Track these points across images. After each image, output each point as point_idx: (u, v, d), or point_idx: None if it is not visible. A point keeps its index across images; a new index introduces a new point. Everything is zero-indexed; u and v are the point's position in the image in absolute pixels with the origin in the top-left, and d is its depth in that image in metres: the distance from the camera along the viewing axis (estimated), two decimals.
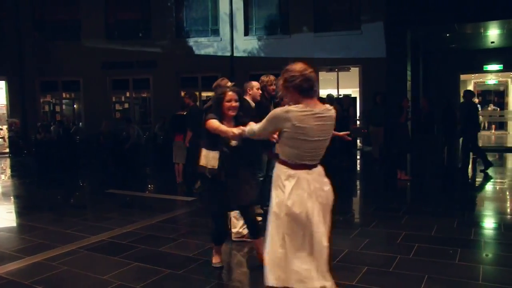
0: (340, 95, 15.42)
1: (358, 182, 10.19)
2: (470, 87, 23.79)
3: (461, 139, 10.65)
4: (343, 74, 15.91)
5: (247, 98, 5.55)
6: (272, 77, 6.04)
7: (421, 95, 14.99)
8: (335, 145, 9.84)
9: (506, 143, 17.20)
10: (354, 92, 16.53)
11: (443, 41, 16.25)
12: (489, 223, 6.18)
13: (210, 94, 14.17)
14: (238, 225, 5.03)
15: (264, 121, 3.12)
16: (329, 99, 11.29)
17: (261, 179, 5.90)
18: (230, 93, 3.92)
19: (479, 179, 9.65)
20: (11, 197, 8.87)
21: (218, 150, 3.92)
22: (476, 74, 21.97)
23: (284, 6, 15.77)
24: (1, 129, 19.25)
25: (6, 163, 14.92)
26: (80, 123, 16.90)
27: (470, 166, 10.57)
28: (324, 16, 15.45)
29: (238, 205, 4.17)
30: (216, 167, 3.90)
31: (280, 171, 3.10)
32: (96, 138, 13.38)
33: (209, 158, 3.90)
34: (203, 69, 15.94)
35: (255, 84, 5.76)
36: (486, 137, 19.24)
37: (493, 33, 15.31)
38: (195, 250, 4.98)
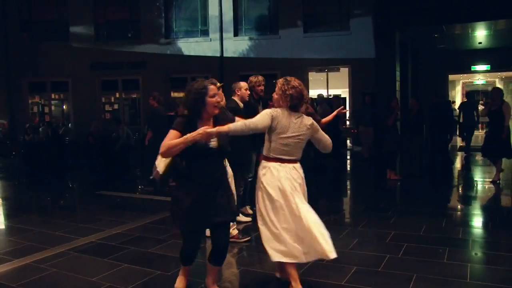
0: (330, 95, 15.47)
1: (347, 182, 10.23)
2: (459, 87, 24.04)
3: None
4: (332, 74, 15.97)
5: (235, 98, 5.56)
6: (260, 78, 6.04)
7: (410, 95, 15.12)
8: None
9: None
10: (343, 92, 16.59)
11: (431, 42, 16.40)
12: (477, 222, 6.24)
13: None
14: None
15: (257, 117, 3.58)
16: (320, 99, 11.34)
17: (250, 179, 5.91)
18: (212, 86, 3.39)
19: (468, 179, 9.74)
20: None
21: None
22: (465, 74, 22.18)
23: (274, 6, 15.78)
24: None
25: None
26: (69, 124, 16.77)
27: (459, 166, 10.67)
28: (314, 17, 15.50)
29: (212, 222, 3.43)
30: (161, 172, 3.48)
31: (261, 164, 3.72)
32: (85, 139, 13.31)
33: (160, 160, 3.52)
34: (193, 70, 15.89)
35: (243, 84, 5.76)
36: (474, 137, 19.36)
37: (480, 34, 15.49)
38: None
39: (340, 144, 12.18)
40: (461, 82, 23.86)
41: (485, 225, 6.04)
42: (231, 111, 4.87)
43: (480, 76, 22.79)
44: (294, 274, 3.58)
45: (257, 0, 15.97)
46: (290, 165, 3.63)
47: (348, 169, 12.05)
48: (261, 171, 3.69)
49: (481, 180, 9.44)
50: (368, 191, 8.78)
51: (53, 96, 18.06)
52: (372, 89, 13.22)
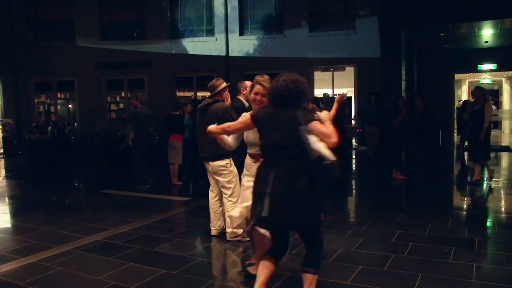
0: (335, 94, 15.44)
1: (353, 182, 10.21)
2: (465, 87, 23.93)
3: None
4: (338, 73, 15.95)
5: (241, 98, 5.55)
6: (266, 77, 6.01)
7: (416, 95, 15.06)
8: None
9: (501, 142, 17.27)
10: (349, 91, 16.56)
11: (437, 41, 16.32)
12: (483, 222, 6.21)
13: (205, 94, 14.17)
14: (232, 225, 5.03)
15: None
16: (325, 98, 11.31)
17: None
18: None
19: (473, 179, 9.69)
20: (6, 198, 8.81)
21: None
22: (471, 74, 22.07)
23: (279, 6, 15.78)
24: None
25: (1, 163, 14.82)
26: (75, 123, 16.82)
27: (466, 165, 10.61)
28: (319, 16, 15.49)
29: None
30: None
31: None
32: (91, 138, 13.35)
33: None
34: (198, 69, 15.93)
35: (249, 83, 5.74)
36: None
37: (487, 33, 15.39)
38: (190, 250, 4.98)
39: (345, 143, 12.15)
40: (467, 81, 23.75)
41: (491, 224, 6.01)
42: (236, 111, 4.89)
43: (486, 75, 22.66)
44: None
45: None
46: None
47: (354, 168, 12.03)
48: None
49: (486, 179, 9.38)
50: (373, 190, 8.76)
51: (59, 95, 18.12)
52: (377, 88, 13.18)
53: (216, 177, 5.21)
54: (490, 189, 8.38)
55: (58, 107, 18.17)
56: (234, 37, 15.94)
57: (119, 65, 16.52)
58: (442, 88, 17.83)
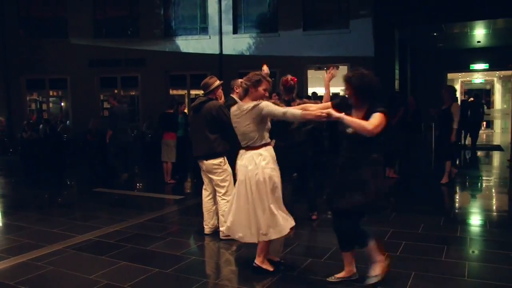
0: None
1: None
2: (457, 86, 24.08)
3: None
4: None
5: (234, 96, 5.54)
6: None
7: (409, 94, 15.13)
8: (323, 144, 9.90)
9: (493, 141, 17.38)
10: (342, 90, 16.59)
11: (430, 40, 16.41)
12: (475, 221, 6.24)
13: (198, 92, 14.14)
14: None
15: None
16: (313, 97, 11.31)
17: None
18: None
19: (464, 178, 9.74)
20: None
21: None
22: (463, 73, 22.21)
23: (273, 4, 15.76)
24: None
25: None
26: (68, 121, 16.74)
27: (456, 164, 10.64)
28: (313, 15, 15.48)
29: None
30: None
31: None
32: (83, 137, 13.27)
33: None
34: (192, 67, 15.88)
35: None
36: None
37: (479, 33, 15.49)
38: (183, 248, 4.97)
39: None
40: (459, 81, 23.90)
41: (483, 223, 6.04)
42: (230, 109, 4.87)
43: (479, 75, 22.81)
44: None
45: None
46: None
47: None
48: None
49: (480, 178, 9.44)
50: None
51: (51, 93, 17.99)
52: None
53: (210, 176, 5.20)
54: (482, 188, 8.44)
55: (50, 105, 18.05)
56: (228, 35, 15.90)
57: (112, 62, 16.43)
58: (435, 88, 17.90)
